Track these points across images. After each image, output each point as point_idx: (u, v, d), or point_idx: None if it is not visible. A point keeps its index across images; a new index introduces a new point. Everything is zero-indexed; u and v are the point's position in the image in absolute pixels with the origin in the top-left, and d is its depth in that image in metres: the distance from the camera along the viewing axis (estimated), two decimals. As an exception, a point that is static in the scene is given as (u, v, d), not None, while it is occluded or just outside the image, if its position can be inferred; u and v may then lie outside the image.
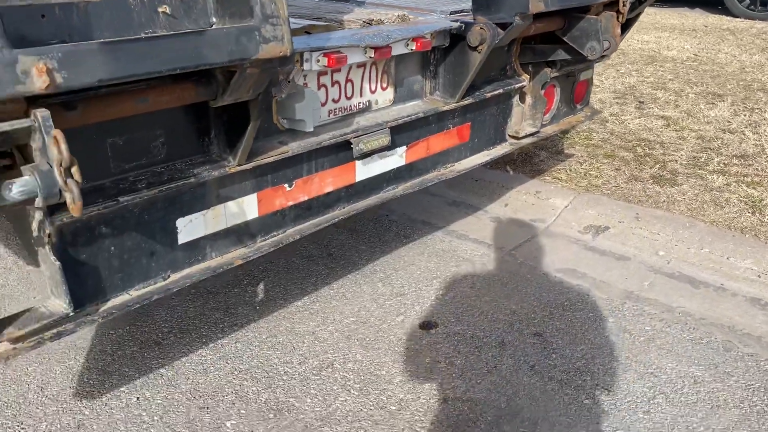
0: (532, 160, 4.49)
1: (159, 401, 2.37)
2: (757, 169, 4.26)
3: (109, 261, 1.63)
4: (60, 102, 1.23)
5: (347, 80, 2.10)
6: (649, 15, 10.34)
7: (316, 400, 2.40)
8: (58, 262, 1.46)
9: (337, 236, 3.59)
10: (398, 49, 2.10)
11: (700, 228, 3.63)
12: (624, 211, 3.84)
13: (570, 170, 4.32)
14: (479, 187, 4.24)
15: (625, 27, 3.19)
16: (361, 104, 2.19)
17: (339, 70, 2.05)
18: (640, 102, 5.61)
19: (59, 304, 1.51)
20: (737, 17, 9.92)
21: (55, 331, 1.51)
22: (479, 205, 4.01)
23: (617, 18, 2.67)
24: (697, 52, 7.62)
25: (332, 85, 2.06)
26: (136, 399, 2.37)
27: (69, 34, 1.15)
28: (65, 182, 1.12)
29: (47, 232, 1.42)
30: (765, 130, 4.94)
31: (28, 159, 1.17)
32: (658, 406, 2.39)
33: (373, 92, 2.21)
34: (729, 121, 5.15)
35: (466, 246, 3.54)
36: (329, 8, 2.41)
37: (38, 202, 1.16)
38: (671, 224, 3.67)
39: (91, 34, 1.21)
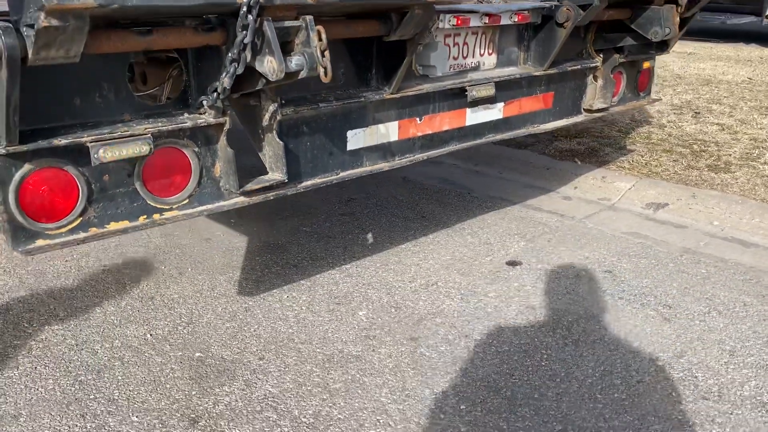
0: (597, 154, 5.04)
1: (304, 299, 2.99)
2: (805, 163, 4.70)
3: (305, 153, 2.28)
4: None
5: (464, 43, 2.75)
6: (705, 48, 10.80)
7: (426, 303, 2.98)
8: (282, 142, 2.12)
9: (427, 205, 4.20)
10: (504, 20, 2.75)
11: (751, 204, 4.11)
12: (681, 191, 4.34)
13: (632, 161, 4.85)
14: (550, 174, 4.81)
15: (682, 25, 3.77)
16: (473, 64, 2.83)
17: (459, 34, 2.70)
18: (696, 112, 6.11)
19: (278, 174, 2.16)
20: (792, 50, 10.29)
21: (274, 192, 2.17)
22: (551, 188, 4.57)
23: (677, 9, 3.26)
24: (751, 77, 8.06)
25: (453, 45, 2.71)
26: (285, 296, 3.01)
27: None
28: (321, 60, 1.78)
29: (278, 119, 2.09)
30: (815, 135, 5.37)
31: (290, 49, 1.83)
32: (713, 318, 2.89)
33: (481, 55, 2.85)
34: (781, 128, 5.60)
35: (541, 215, 4.10)
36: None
37: (303, 72, 1.80)
38: (725, 201, 4.15)
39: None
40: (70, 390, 2.35)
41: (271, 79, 1.76)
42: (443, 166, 5.00)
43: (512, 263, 3.41)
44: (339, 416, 2.24)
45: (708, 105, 6.42)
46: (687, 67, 8.81)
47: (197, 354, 2.57)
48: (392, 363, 2.53)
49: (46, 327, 2.74)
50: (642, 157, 4.92)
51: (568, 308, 2.96)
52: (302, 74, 1.80)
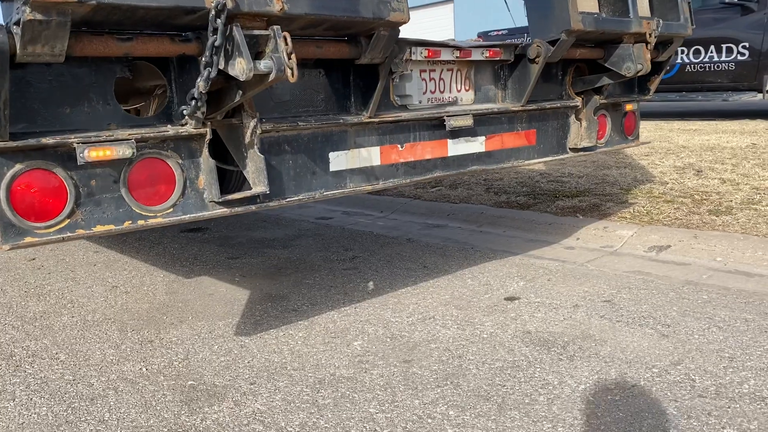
0: (599, 208, 5.10)
1: (300, 335, 3.02)
2: (808, 204, 4.70)
3: (288, 170, 2.41)
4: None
5: (440, 79, 2.93)
6: (710, 125, 11.02)
7: (423, 333, 2.98)
8: (262, 155, 2.26)
9: (429, 257, 4.26)
10: (476, 56, 2.94)
11: (753, 240, 4.09)
12: (683, 234, 4.34)
13: (634, 212, 4.89)
14: (552, 228, 4.86)
15: (658, 70, 3.95)
16: (450, 98, 3.00)
17: (434, 69, 2.89)
18: (698, 171, 6.19)
19: (260, 187, 2.28)
20: (798, 121, 10.43)
21: (257, 205, 2.28)
22: (553, 240, 4.61)
23: (646, 47, 3.44)
24: (755, 142, 8.17)
25: (430, 80, 2.89)
26: (282, 334, 3.04)
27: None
28: (288, 62, 1.94)
29: (258, 133, 2.24)
30: (818, 181, 5.38)
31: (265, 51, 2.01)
32: (712, 333, 2.83)
33: (458, 91, 3.03)
34: (784, 178, 5.63)
35: (542, 262, 4.12)
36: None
37: (272, 75, 1.96)
38: (727, 239, 4.14)
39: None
40: (63, 414, 2.37)
41: (241, 79, 1.92)
42: (447, 228, 5.09)
43: (510, 298, 3.41)
44: (326, 426, 2.22)
45: (711, 165, 6.50)
46: (691, 140, 8.96)
47: (190, 382, 2.59)
48: (383, 381, 2.52)
49: (46, 367, 2.79)
50: (643, 207, 4.96)
51: (565, 331, 2.93)
52: (272, 77, 1.96)
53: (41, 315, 3.45)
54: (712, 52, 11.38)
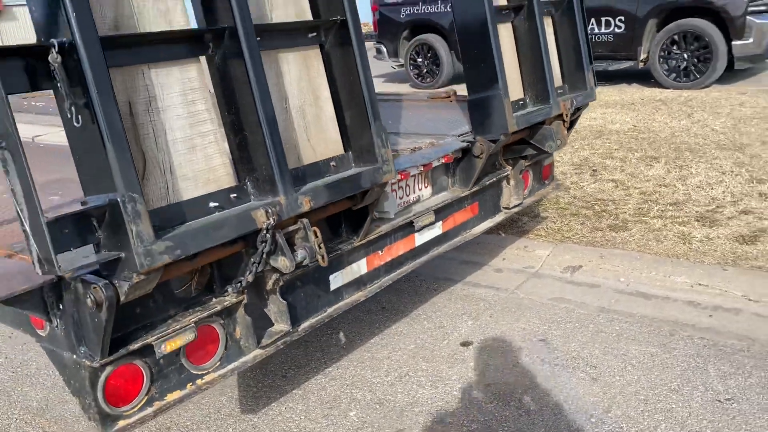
0: (517, 224, 5.84)
1: (300, 408, 3.54)
2: (686, 213, 5.66)
3: (300, 302, 2.88)
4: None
5: (407, 185, 3.44)
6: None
7: (403, 395, 3.59)
8: (284, 301, 2.71)
9: (385, 295, 4.83)
10: (435, 164, 3.47)
11: (647, 258, 4.97)
12: (591, 253, 5.17)
13: (547, 228, 5.67)
14: (481, 248, 5.55)
15: (572, 125, 4.63)
16: (414, 198, 3.52)
17: (402, 180, 3.39)
18: (593, 171, 7.07)
19: (284, 326, 2.74)
20: (667, 88, 11.68)
21: (282, 341, 2.75)
22: (484, 261, 5.31)
23: (563, 124, 4.09)
24: (635, 123, 9.22)
25: (399, 188, 3.40)
26: (284, 408, 3.55)
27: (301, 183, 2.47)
28: (319, 251, 2.39)
29: (280, 284, 2.69)
30: (691, 182, 6.40)
31: (291, 242, 2.44)
32: (628, 372, 3.63)
33: (420, 189, 3.55)
34: (664, 178, 6.61)
35: (480, 291, 4.81)
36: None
37: (305, 261, 2.41)
38: (627, 258, 5.00)
39: (309, 181, 2.53)
40: None
41: (284, 272, 2.36)
42: (388, 252, 5.66)
43: (465, 344, 4.07)
44: None
45: (603, 161, 7.41)
46: (581, 119, 9.89)
47: (225, 475, 3.07)
48: (387, 456, 3.12)
49: (85, 472, 3.17)
50: (554, 223, 5.75)
51: (517, 380, 3.64)
52: (305, 262, 2.42)
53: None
54: (593, 24, 12.35)
